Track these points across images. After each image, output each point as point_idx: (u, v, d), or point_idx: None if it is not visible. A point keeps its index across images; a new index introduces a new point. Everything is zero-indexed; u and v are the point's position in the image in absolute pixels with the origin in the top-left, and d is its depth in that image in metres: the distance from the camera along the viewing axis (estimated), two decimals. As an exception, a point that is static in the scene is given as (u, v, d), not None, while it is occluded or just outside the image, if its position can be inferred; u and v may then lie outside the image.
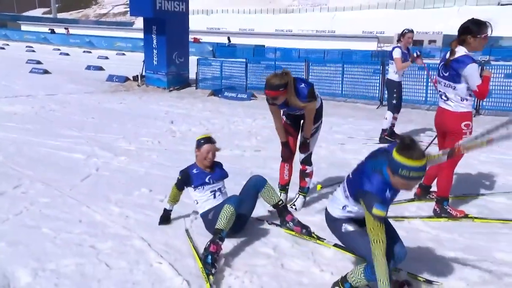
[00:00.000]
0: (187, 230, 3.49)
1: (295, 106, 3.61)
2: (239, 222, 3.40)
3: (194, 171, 3.46)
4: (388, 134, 6.61)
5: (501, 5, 55.66)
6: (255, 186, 3.45)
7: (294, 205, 3.97)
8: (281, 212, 3.46)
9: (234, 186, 3.86)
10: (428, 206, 3.93)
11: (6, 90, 10.92)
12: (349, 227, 2.50)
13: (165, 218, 3.61)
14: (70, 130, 6.97)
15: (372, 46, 35.92)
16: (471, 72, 3.39)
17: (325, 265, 2.97)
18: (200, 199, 3.42)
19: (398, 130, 6.82)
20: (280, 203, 3.46)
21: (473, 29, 3.41)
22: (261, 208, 3.78)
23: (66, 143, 6.13)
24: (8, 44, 33.16)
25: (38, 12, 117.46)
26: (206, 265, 2.84)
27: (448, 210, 3.70)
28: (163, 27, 12.05)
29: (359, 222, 2.49)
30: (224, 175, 3.56)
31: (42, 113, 8.35)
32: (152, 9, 11.65)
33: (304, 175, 4.02)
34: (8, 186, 4.37)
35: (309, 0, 79.09)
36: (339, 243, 3.08)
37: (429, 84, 9.09)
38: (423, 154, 2.12)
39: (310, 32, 58.54)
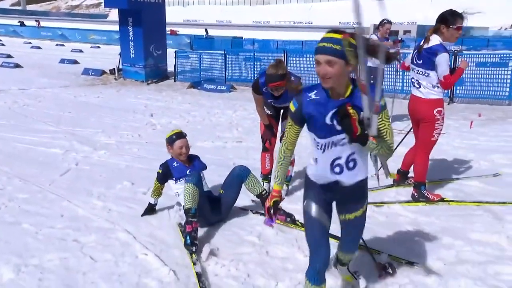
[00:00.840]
0: (179, 224, 3.47)
1: (292, 91, 3.65)
2: (224, 209, 3.47)
3: (175, 164, 3.49)
4: None
5: (473, -4, 57.33)
6: (239, 176, 3.49)
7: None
8: (265, 202, 3.50)
9: (217, 177, 3.90)
10: (406, 191, 4.06)
11: (-24, 85, 10.57)
12: (310, 203, 2.09)
13: (150, 211, 3.62)
14: (47, 125, 6.82)
15: (349, 37, 36.11)
16: (441, 61, 3.50)
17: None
18: (181, 191, 3.44)
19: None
20: (263, 193, 3.51)
21: (448, 19, 3.51)
22: (246, 199, 3.82)
23: (43, 138, 6.01)
24: (-25, 38, 31.91)
25: (5, 4, 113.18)
26: (187, 247, 2.98)
27: (425, 194, 3.83)
28: (139, 19, 11.85)
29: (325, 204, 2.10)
30: (204, 166, 3.60)
31: (16, 108, 8.13)
32: (127, 0, 11.45)
33: None
34: (-16, 183, 4.27)
35: (286, -9, 79.10)
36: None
37: (405, 73, 9.27)
38: (336, 30, 1.91)
39: (287, 23, 58.58)
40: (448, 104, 7.22)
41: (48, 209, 3.72)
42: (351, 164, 1.99)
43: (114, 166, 4.92)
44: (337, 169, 1.99)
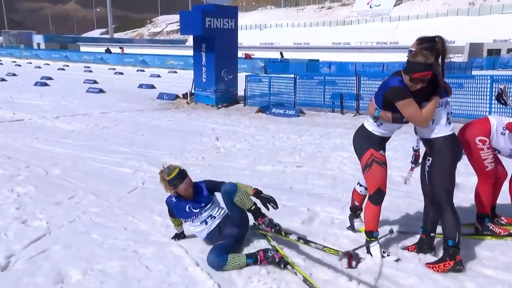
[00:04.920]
0: None
1: None
2: (239, 226, 3.70)
3: (173, 200, 3.70)
4: None
5: None
6: (228, 195, 3.56)
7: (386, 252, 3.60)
8: (255, 215, 3.63)
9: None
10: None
11: (65, 109, 12.17)
12: None
13: (178, 236, 3.93)
14: (121, 146, 7.71)
15: (438, 57, 34.68)
16: None
17: (353, 276, 3.20)
18: (194, 230, 3.74)
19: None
20: (252, 208, 3.59)
21: None
22: (294, 224, 4.06)
23: (117, 159, 6.83)
24: (68, 65, 36.37)
25: (96, 33, 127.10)
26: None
27: (491, 227, 3.78)
28: (212, 44, 12.79)
29: None
30: (206, 199, 3.68)
31: (96, 131, 9.26)
32: (201, 27, 12.41)
33: None
34: (64, 197, 5.04)
35: (369, 10, 78.34)
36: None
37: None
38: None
39: (369, 44, 57.99)
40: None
41: (115, 222, 4.31)
42: None
43: (176, 186, 5.47)
44: None
